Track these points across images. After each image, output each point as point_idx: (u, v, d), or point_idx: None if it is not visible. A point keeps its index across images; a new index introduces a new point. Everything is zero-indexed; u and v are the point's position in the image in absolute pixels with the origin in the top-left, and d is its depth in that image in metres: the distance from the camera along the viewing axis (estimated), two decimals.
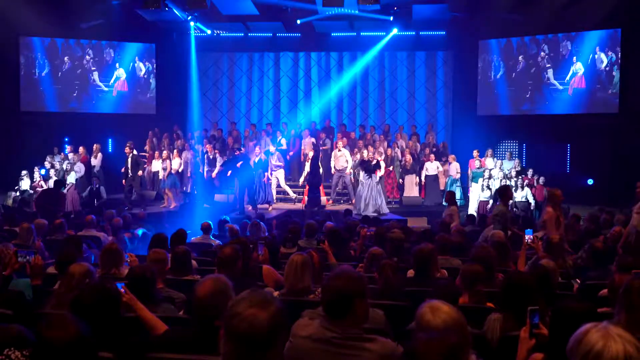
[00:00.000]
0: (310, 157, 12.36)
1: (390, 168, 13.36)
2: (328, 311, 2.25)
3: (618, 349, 1.49)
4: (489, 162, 13.16)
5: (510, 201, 8.09)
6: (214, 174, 13.08)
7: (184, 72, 16.80)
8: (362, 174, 11.93)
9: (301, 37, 16.02)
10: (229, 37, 16.22)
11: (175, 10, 13.76)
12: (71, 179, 12.89)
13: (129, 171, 12.23)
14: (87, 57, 15.50)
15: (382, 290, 3.73)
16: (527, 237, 5.33)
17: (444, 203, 10.45)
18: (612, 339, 1.51)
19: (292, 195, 13.18)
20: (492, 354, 2.77)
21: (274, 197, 12.74)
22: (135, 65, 16.04)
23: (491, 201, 11.97)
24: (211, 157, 13.33)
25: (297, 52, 16.73)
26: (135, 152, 12.67)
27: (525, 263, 5.19)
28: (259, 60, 17.02)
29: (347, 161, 12.65)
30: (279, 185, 13.19)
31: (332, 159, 12.82)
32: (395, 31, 14.92)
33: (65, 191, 11.36)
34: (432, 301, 2.19)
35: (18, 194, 12.77)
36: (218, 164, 13.25)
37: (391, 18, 14.11)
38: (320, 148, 13.32)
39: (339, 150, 12.76)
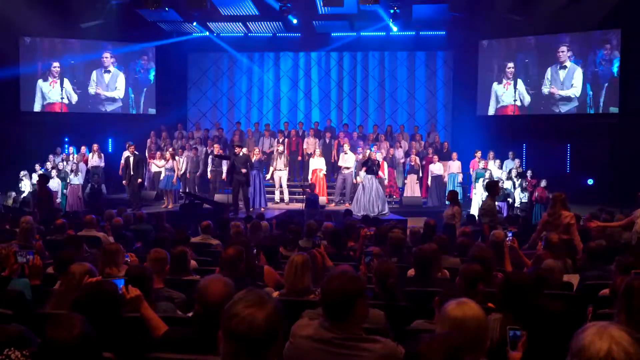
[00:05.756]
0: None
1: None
2: (329, 314, 2.24)
3: (602, 347, 1.47)
4: (491, 163, 13.17)
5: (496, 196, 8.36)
6: (224, 176, 13.17)
7: (184, 72, 16.85)
8: (362, 173, 11.93)
9: (301, 37, 16.02)
10: (229, 37, 16.22)
11: (174, 11, 13.78)
12: (75, 179, 12.91)
13: (132, 171, 12.18)
14: (87, 57, 15.48)
15: (379, 294, 3.71)
16: (508, 239, 5.30)
17: (447, 202, 10.48)
18: (600, 337, 1.49)
19: (286, 198, 13.23)
20: (492, 354, 2.76)
21: (265, 201, 12.79)
22: (135, 65, 16.05)
23: None
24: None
25: (297, 52, 16.73)
26: (137, 152, 12.66)
27: (510, 263, 5.18)
28: (259, 60, 17.02)
29: (352, 163, 12.79)
30: (280, 185, 13.22)
31: (340, 161, 12.90)
32: (395, 28, 14.93)
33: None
34: (463, 298, 2.23)
35: (21, 193, 12.80)
36: (224, 164, 13.27)
37: (391, 21, 14.13)
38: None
39: (346, 153, 12.87)
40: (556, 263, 4.21)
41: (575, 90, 13.97)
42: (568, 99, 14.09)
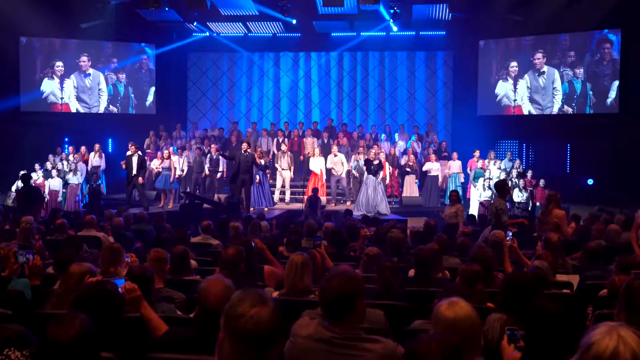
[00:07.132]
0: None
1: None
2: (329, 313, 2.24)
3: (609, 345, 1.48)
4: (491, 163, 13.15)
5: (507, 196, 8.10)
6: (219, 175, 13.12)
7: (184, 72, 16.85)
8: (365, 174, 11.93)
9: (301, 37, 16.03)
10: (229, 37, 16.23)
11: (174, 11, 13.78)
12: (74, 179, 12.90)
13: (134, 171, 12.13)
14: (87, 57, 15.47)
15: (381, 292, 3.72)
16: (507, 238, 5.28)
17: (446, 202, 10.45)
18: (610, 336, 1.49)
19: (287, 198, 13.24)
20: (492, 354, 2.76)
21: (272, 200, 12.78)
22: (135, 65, 16.05)
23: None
24: (214, 157, 13.31)
25: (297, 52, 16.74)
26: (140, 152, 12.63)
27: (510, 263, 5.18)
28: (259, 60, 17.03)
29: (342, 164, 12.74)
30: (283, 185, 13.22)
31: (329, 163, 12.85)
32: (395, 28, 14.94)
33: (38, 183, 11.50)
34: (454, 298, 2.22)
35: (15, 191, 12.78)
36: (221, 164, 13.26)
37: (391, 21, 14.14)
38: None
39: (335, 155, 12.81)
40: (542, 263, 4.19)
41: (559, 95, 14.05)
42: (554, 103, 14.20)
